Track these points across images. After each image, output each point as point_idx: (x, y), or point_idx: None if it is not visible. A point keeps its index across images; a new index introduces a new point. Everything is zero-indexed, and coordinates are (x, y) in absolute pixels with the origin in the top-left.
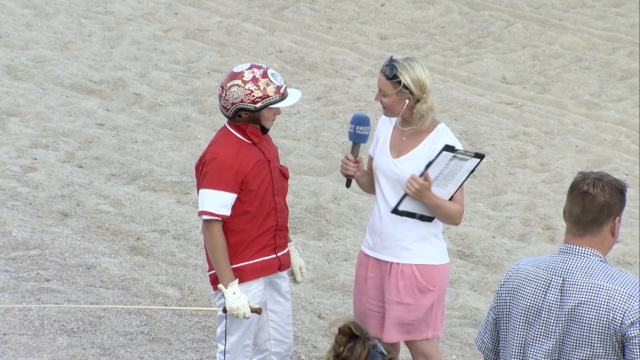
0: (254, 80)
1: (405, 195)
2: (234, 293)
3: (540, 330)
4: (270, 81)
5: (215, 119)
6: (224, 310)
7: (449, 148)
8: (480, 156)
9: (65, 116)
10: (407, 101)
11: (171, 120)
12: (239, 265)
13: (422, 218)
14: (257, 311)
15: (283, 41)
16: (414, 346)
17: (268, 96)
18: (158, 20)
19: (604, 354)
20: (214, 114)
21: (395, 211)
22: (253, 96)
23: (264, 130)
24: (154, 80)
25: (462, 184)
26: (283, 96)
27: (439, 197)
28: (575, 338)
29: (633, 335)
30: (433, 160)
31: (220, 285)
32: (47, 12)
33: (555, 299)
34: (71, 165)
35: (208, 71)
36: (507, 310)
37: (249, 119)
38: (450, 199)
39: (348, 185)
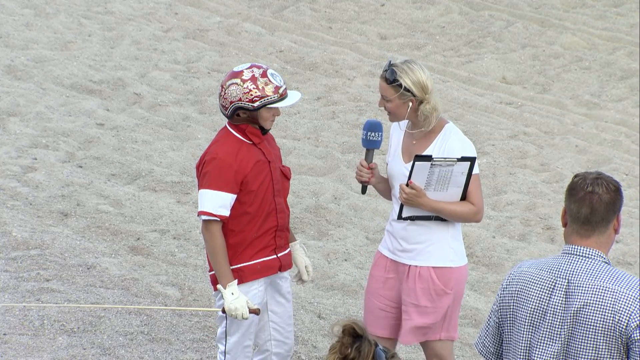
0: (253, 79)
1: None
2: (232, 294)
3: (545, 333)
4: (269, 81)
5: (215, 119)
6: (224, 311)
7: (420, 158)
8: (467, 159)
9: (65, 116)
10: (410, 104)
11: (171, 120)
12: (239, 266)
13: (438, 218)
14: (255, 312)
15: (283, 41)
16: (428, 347)
17: (266, 96)
18: (158, 20)
19: (608, 356)
20: (214, 114)
21: (402, 218)
22: (251, 95)
23: (264, 131)
24: (154, 80)
25: (466, 184)
26: (282, 96)
27: (441, 200)
28: (581, 340)
29: (638, 338)
30: (411, 171)
31: (219, 286)
32: (47, 12)
33: (560, 301)
34: (71, 165)
35: (208, 71)
36: (511, 313)
37: (247, 119)
38: (464, 199)
39: (363, 192)
